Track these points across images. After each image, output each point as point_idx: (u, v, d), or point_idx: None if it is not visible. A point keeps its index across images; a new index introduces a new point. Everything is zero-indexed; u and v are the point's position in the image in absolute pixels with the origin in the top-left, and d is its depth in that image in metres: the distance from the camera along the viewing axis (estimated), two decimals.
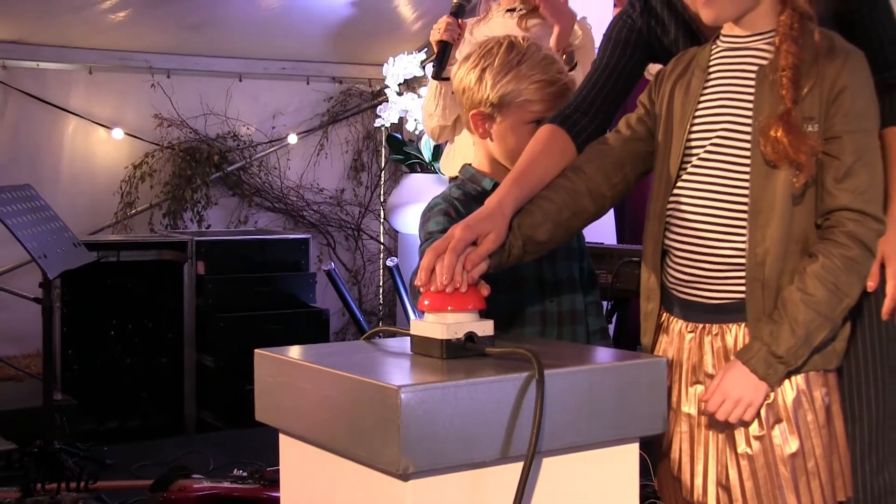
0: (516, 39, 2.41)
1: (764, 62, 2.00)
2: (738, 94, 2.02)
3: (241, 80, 6.66)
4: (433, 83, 3.50)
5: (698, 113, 2.06)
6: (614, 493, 1.78)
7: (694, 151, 2.04)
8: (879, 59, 2.12)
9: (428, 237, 2.28)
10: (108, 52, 6.27)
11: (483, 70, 2.34)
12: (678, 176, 2.06)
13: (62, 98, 6.20)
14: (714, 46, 2.09)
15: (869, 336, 2.20)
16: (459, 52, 2.86)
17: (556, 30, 3.24)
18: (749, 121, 1.98)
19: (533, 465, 1.61)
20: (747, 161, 1.97)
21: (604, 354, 1.91)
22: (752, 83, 2.00)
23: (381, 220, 7.18)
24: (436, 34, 3.44)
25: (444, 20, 3.46)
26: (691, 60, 2.12)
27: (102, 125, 6.34)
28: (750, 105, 1.99)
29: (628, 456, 1.78)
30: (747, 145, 1.98)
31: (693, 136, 2.05)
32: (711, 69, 2.07)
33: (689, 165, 2.04)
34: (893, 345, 2.26)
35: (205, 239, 5.91)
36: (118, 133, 6.37)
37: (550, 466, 1.68)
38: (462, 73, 2.40)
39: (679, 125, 2.07)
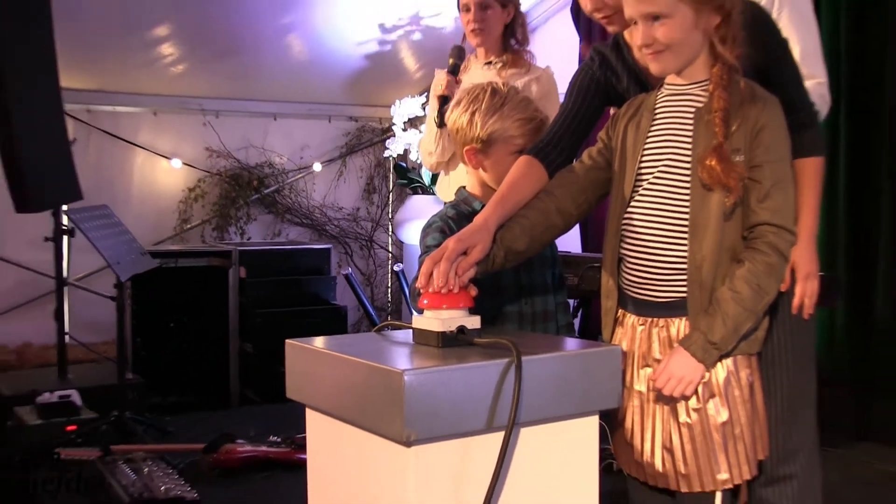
0: (497, 85, 2.41)
1: (700, 105, 2.01)
2: (679, 131, 2.02)
3: (275, 119, 6.67)
4: (433, 128, 3.43)
5: (647, 146, 2.07)
6: (579, 456, 1.77)
7: (644, 177, 2.05)
8: (790, 104, 2.15)
9: (426, 250, 2.28)
10: (169, 98, 6.28)
11: (473, 113, 2.34)
12: (631, 197, 2.07)
13: (132, 135, 6.21)
14: (659, 93, 2.10)
15: (782, 327, 2.25)
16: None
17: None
18: (689, 153, 1.99)
19: (512, 435, 1.60)
20: (688, 185, 1.98)
21: (570, 344, 1.90)
22: (691, 122, 2.01)
23: (390, 233, 7.18)
24: (437, 89, 3.39)
25: (443, 78, 3.39)
26: (641, 104, 2.13)
27: (164, 156, 6.34)
28: (689, 140, 2.00)
29: (590, 426, 1.78)
30: (687, 173, 1.99)
31: (643, 165, 2.06)
32: (657, 111, 2.08)
33: (639, 189, 2.05)
34: (801, 334, 2.32)
35: (246, 249, 5.91)
36: (176, 163, 6.36)
37: (526, 435, 1.67)
38: (455, 115, 2.41)
39: (631, 157, 2.08)
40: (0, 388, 4.41)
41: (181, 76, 6.12)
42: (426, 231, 2.39)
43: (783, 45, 2.21)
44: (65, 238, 4.58)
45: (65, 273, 4.80)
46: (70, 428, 3.81)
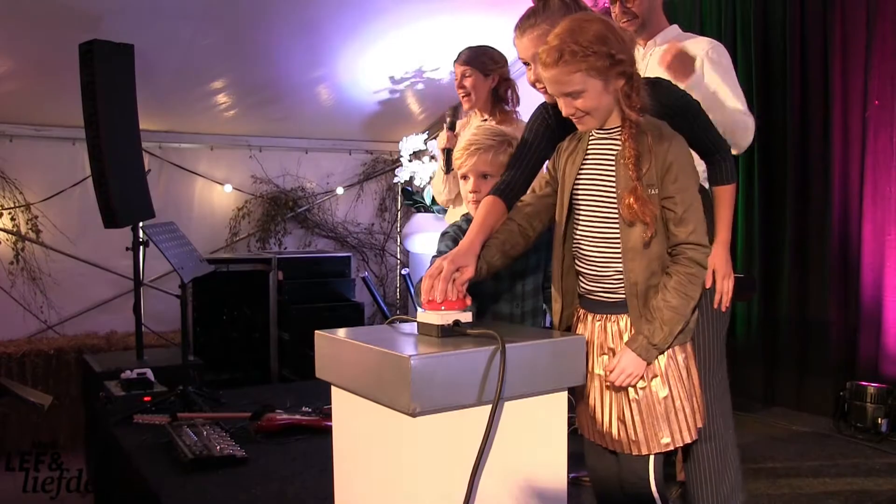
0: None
1: (618, 149, 1.98)
2: (604, 171, 1.99)
3: (306, 153, 6.64)
4: (441, 174, 3.42)
5: (578, 181, 2.03)
6: (551, 424, 1.76)
7: (580, 208, 2.03)
8: (706, 148, 2.21)
9: (438, 253, 2.29)
10: (223, 136, 6.26)
11: None
12: (569, 223, 2.05)
13: (194, 166, 6.19)
14: (591, 135, 2.06)
15: (706, 317, 2.31)
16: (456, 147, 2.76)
17: None
18: (613, 191, 1.97)
19: (497, 407, 1.59)
20: (616, 218, 1.96)
21: (544, 334, 1.89)
22: (613, 164, 1.98)
23: (398, 244, 7.16)
24: (441, 143, 3.36)
25: (444, 135, 3.36)
26: (579, 140, 2.09)
27: (218, 183, 6.32)
28: (613, 179, 1.97)
29: (560, 400, 1.76)
30: (615, 207, 1.96)
31: (577, 197, 2.03)
32: (589, 150, 2.04)
33: (579, 218, 2.03)
34: (718, 322, 2.39)
35: (283, 256, 5.87)
36: (228, 188, 6.34)
37: (509, 408, 1.66)
38: (458, 164, 2.41)
39: (567, 188, 2.05)
40: (93, 366, 4.44)
41: (232, 119, 6.10)
42: (441, 238, 2.40)
43: (683, 102, 2.17)
44: (141, 248, 4.58)
45: (141, 276, 4.79)
46: (146, 399, 3.79)
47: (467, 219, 2.47)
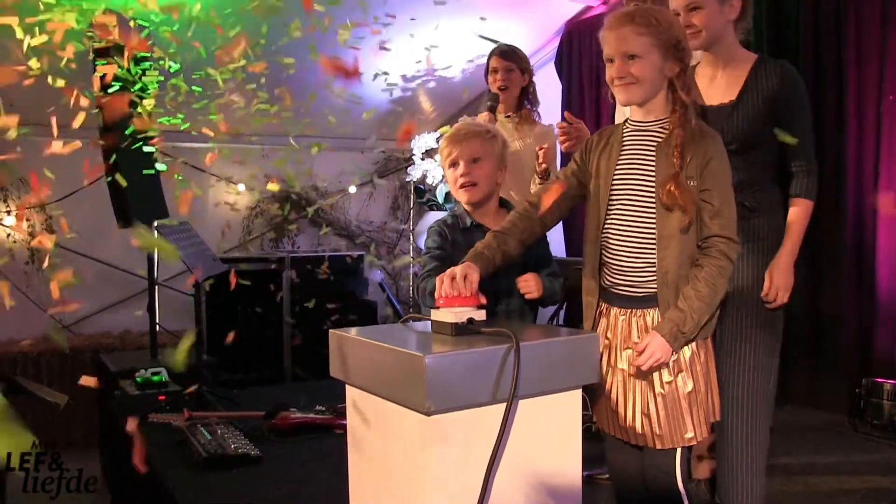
0: None
1: (660, 140, 1.99)
2: (643, 161, 2.00)
3: (319, 151, 6.64)
4: None
5: (616, 173, 2.05)
6: (566, 422, 1.74)
7: (615, 199, 2.04)
8: (797, 149, 2.35)
9: (427, 251, 2.30)
10: (238, 135, 6.28)
11: None
12: (605, 215, 2.05)
13: (207, 165, 6.21)
14: (625, 128, 2.08)
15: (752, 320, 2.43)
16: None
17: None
18: (652, 180, 1.97)
19: (512, 405, 1.57)
20: (653, 206, 1.97)
21: (558, 331, 1.87)
22: (653, 154, 1.99)
23: (411, 241, 7.15)
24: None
25: (485, 116, 3.32)
26: (610, 136, 2.11)
27: (232, 182, 6.33)
28: (652, 169, 1.98)
29: (574, 398, 1.74)
30: (652, 196, 1.98)
31: (614, 188, 2.05)
32: (625, 143, 2.06)
33: (612, 209, 2.04)
34: (772, 323, 2.49)
35: (296, 255, 5.88)
36: (241, 187, 6.35)
37: (523, 406, 1.64)
38: (445, 152, 2.46)
39: (604, 182, 2.07)
40: (108, 366, 4.46)
41: (245, 118, 6.11)
42: (428, 234, 2.39)
43: (804, 102, 2.33)
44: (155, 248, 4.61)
45: (156, 275, 4.81)
46: (160, 398, 3.80)
47: (453, 213, 2.46)
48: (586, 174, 2.14)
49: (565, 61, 5.77)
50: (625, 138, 2.08)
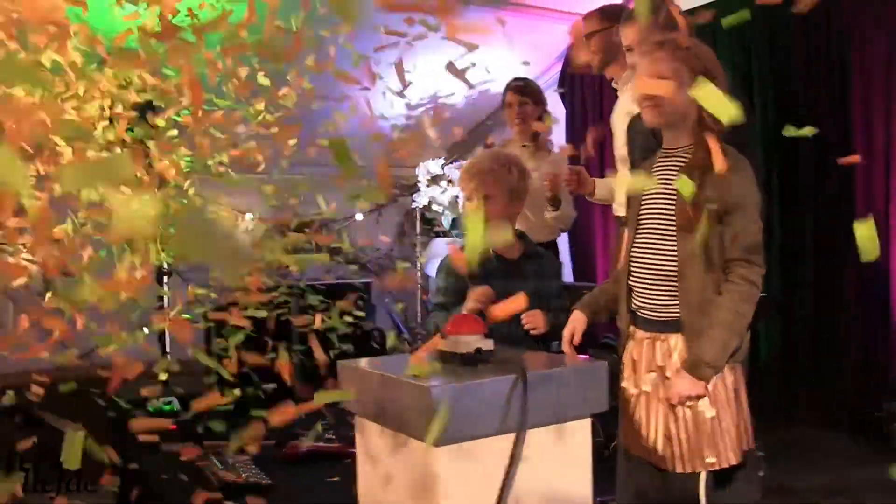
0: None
1: (684, 164, 2.00)
2: (668, 186, 2.02)
3: (325, 179, 6.66)
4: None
5: (644, 198, 2.08)
6: (576, 451, 1.73)
7: (642, 224, 2.08)
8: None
9: (438, 290, 2.30)
10: (243, 163, 6.30)
11: None
12: (634, 241, 2.08)
13: (215, 195, 6.23)
14: (659, 154, 2.11)
15: None
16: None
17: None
18: (674, 204, 1.98)
19: (521, 436, 1.57)
20: (674, 230, 1.98)
21: (565, 360, 1.87)
22: (676, 178, 1.99)
23: (418, 268, 7.16)
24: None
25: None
26: (649, 164, 2.15)
27: (240, 212, 6.36)
28: (675, 193, 1.98)
29: (584, 426, 1.73)
30: (674, 220, 1.98)
31: (641, 214, 2.08)
32: (654, 169, 2.09)
33: (640, 234, 2.08)
34: None
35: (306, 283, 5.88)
36: (249, 216, 6.38)
37: (533, 435, 1.63)
38: (461, 185, 2.56)
39: (633, 208, 2.11)
40: (120, 395, 4.46)
41: (252, 147, 6.14)
42: (438, 272, 2.40)
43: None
44: (165, 278, 4.65)
45: (166, 305, 4.83)
46: (173, 427, 3.80)
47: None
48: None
49: (568, 85, 5.81)
50: (656, 164, 2.10)
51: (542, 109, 3.72)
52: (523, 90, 3.70)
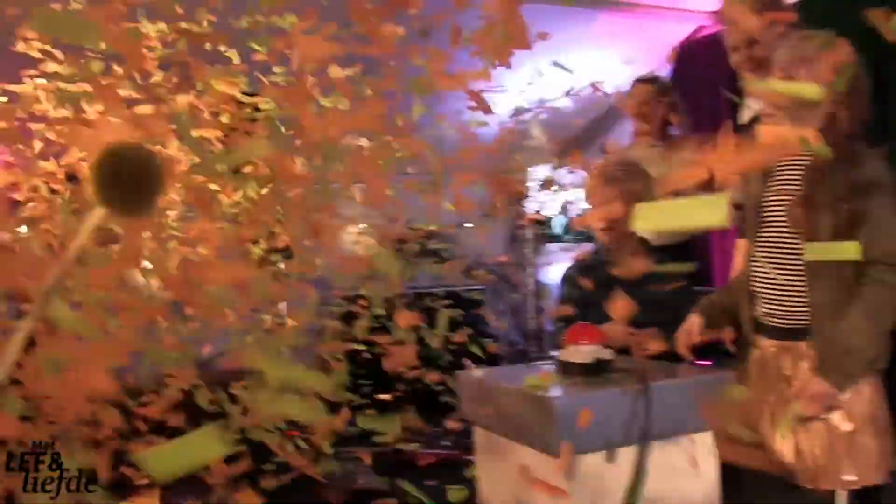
0: None
1: (809, 163, 1.90)
2: (791, 186, 1.92)
3: (435, 187, 6.73)
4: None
5: (766, 195, 1.99)
6: (701, 464, 1.68)
7: (764, 227, 1.98)
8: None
9: (562, 300, 2.30)
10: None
11: None
12: (755, 245, 1.99)
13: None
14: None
15: None
16: None
17: None
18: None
19: (645, 447, 1.54)
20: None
21: (688, 371, 1.82)
22: (801, 178, 1.90)
23: (531, 275, 7.13)
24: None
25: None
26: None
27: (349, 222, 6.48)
28: (800, 192, 1.89)
29: (709, 439, 1.69)
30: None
31: (762, 217, 1.98)
32: (774, 170, 1.98)
33: (761, 238, 1.98)
34: None
35: (418, 292, 5.94)
36: (362, 226, 6.50)
37: (657, 447, 1.60)
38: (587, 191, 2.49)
39: (752, 210, 2.02)
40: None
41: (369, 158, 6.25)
42: (563, 283, 2.40)
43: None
44: None
45: None
46: None
47: (595, 251, 2.45)
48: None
49: (681, 81, 5.66)
50: (777, 165, 2.01)
51: (674, 106, 3.43)
52: (646, 83, 3.45)
